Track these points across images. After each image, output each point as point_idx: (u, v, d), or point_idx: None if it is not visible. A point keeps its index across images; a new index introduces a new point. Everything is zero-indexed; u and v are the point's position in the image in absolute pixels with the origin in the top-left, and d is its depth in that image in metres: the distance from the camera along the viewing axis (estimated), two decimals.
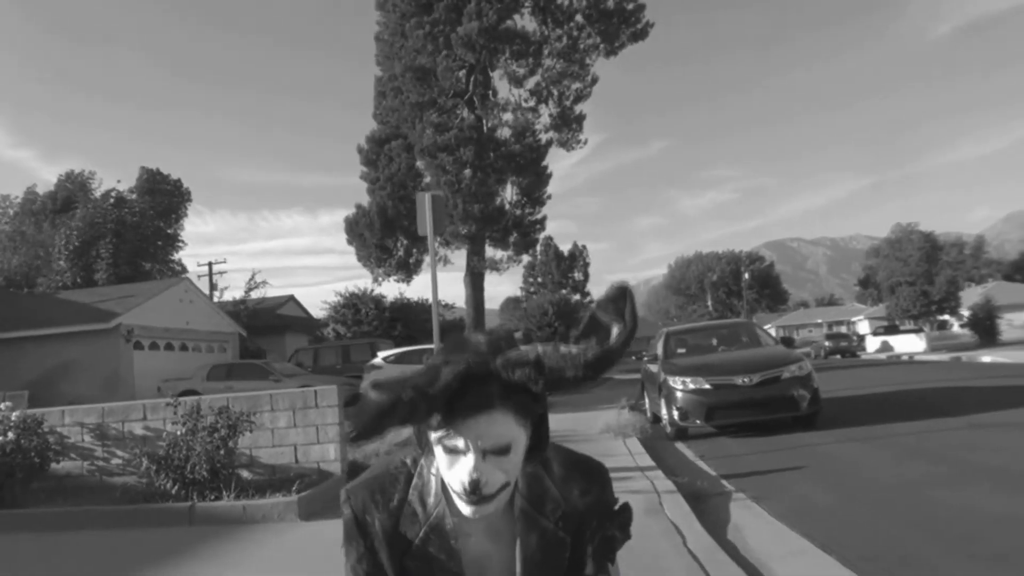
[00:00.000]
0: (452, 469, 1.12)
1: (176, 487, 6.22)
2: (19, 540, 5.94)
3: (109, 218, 33.67)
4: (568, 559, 1.27)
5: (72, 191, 41.92)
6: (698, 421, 9.54)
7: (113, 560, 5.15)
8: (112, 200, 36.13)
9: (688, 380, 9.67)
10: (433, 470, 1.22)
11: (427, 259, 35.78)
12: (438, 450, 1.13)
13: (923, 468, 6.66)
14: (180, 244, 41.06)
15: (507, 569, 1.24)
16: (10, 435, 6.92)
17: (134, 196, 38.62)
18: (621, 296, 1.12)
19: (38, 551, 5.60)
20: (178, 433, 6.43)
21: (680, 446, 9.30)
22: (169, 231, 39.96)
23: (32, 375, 20.23)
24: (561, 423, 11.04)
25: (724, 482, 6.66)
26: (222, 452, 6.29)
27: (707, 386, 9.51)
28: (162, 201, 40.10)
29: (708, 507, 5.65)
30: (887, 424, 9.41)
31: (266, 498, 6.06)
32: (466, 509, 1.14)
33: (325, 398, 7.12)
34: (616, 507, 1.31)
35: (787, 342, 11.99)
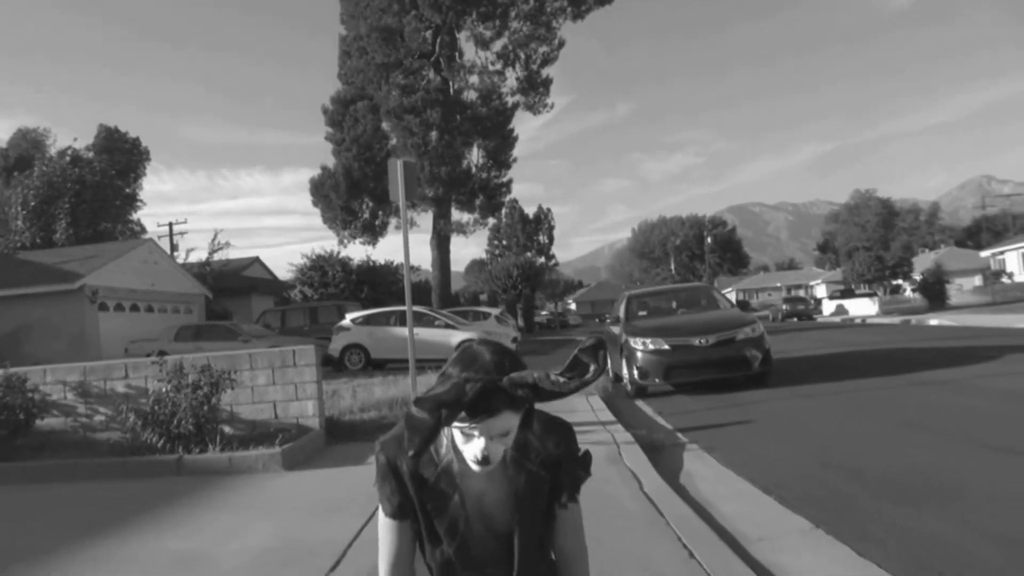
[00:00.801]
0: (467, 445, 1.53)
1: (162, 441, 6.49)
2: (9, 491, 6.18)
3: (68, 177, 32.95)
4: (547, 492, 1.71)
5: (26, 148, 40.89)
6: (657, 380, 10.07)
7: (108, 506, 5.43)
8: (68, 158, 35.31)
9: (648, 341, 10.15)
10: (444, 429, 1.61)
11: (393, 222, 35.81)
12: (455, 431, 1.54)
13: (863, 422, 7.21)
14: (139, 204, 40.40)
15: (499, 500, 1.68)
16: None
17: (91, 154, 37.81)
18: (598, 345, 1.51)
19: (31, 501, 5.84)
20: (163, 390, 6.70)
21: (640, 403, 9.80)
22: (128, 190, 39.21)
23: None
24: None
25: (679, 435, 7.16)
26: (206, 408, 6.57)
27: (666, 347, 10.01)
28: (120, 160, 39.36)
29: (663, 457, 6.13)
30: (834, 382, 10.01)
31: (250, 450, 6.39)
32: (475, 468, 1.55)
33: (303, 357, 7.40)
34: (580, 453, 1.76)
35: (743, 305, 12.55)
